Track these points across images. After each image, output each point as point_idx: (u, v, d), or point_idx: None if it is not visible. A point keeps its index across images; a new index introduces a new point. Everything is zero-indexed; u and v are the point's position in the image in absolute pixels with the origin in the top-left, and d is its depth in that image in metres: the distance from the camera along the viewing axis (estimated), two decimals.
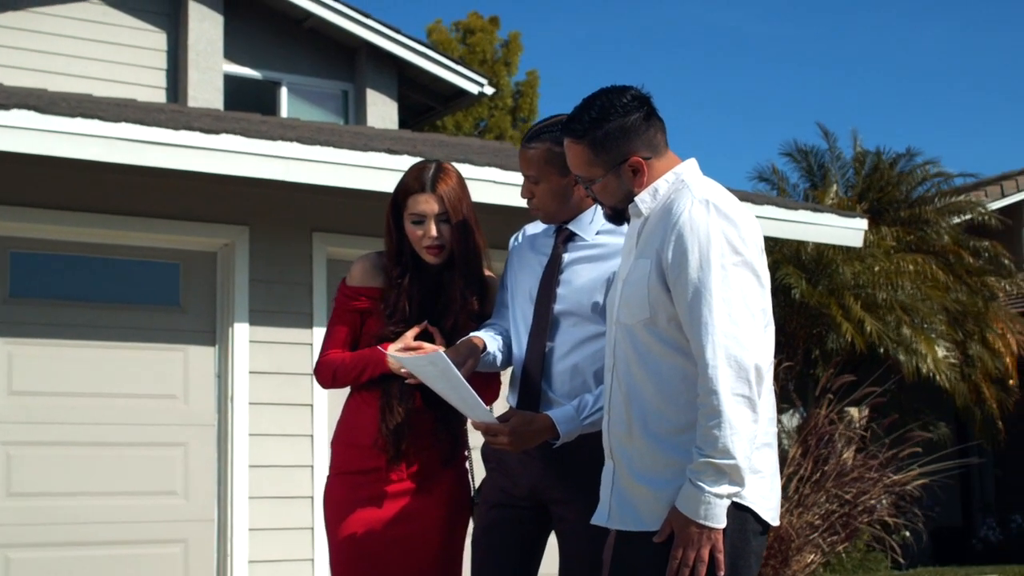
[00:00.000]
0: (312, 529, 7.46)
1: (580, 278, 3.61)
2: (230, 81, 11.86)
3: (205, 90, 11.41)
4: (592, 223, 3.65)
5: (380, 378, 3.75)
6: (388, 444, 3.72)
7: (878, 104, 44.95)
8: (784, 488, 8.43)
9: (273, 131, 7.55)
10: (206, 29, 11.56)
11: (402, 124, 12.99)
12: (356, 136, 8.38)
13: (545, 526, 3.64)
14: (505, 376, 3.85)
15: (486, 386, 3.77)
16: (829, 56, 45.14)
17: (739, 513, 2.95)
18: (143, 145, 6.82)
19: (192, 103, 11.09)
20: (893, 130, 44.75)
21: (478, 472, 3.87)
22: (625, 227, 3.34)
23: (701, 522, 2.89)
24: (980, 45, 44.74)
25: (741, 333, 2.92)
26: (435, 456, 3.80)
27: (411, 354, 3.64)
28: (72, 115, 6.67)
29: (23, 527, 6.95)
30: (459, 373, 3.44)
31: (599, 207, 3.62)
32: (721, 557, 2.91)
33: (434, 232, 3.73)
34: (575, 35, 42.37)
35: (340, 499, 3.78)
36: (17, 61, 10.72)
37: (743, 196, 8.35)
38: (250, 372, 7.50)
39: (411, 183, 3.77)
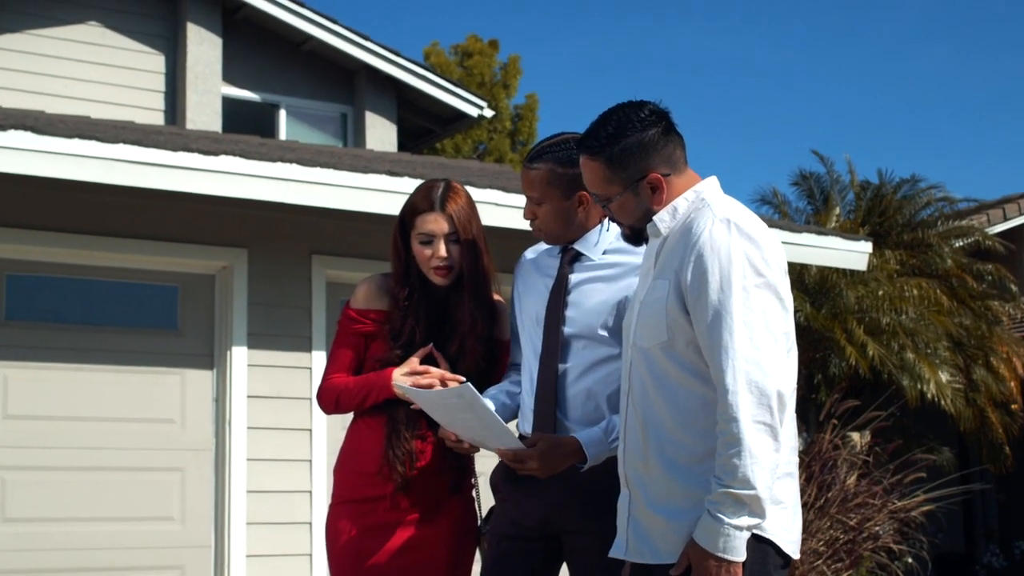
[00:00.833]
0: (311, 556, 7.38)
1: (589, 299, 3.51)
2: (229, 103, 11.80)
3: (203, 112, 11.36)
4: (598, 243, 3.56)
5: (385, 403, 3.65)
6: (394, 471, 3.62)
7: (879, 128, 45.00)
8: None
9: (272, 153, 7.50)
10: (204, 51, 11.51)
11: (401, 147, 12.93)
12: (355, 158, 8.33)
13: (556, 558, 3.53)
14: None
15: None
16: (830, 80, 45.20)
17: (759, 546, 2.84)
18: (141, 167, 6.76)
19: (190, 125, 11.04)
20: (894, 154, 44.81)
21: (485, 500, 3.78)
22: (630, 245, 3.26)
23: (720, 555, 2.78)
24: (980, 69, 44.83)
25: (763, 358, 2.82)
26: (442, 484, 3.70)
27: (417, 380, 3.56)
28: (69, 136, 6.61)
29: (17, 553, 6.87)
30: (486, 402, 3.36)
31: (604, 225, 3.53)
32: None
33: (443, 252, 3.64)
34: (575, 59, 42.43)
35: (343, 529, 3.67)
36: (15, 83, 10.67)
37: None
38: (248, 396, 7.43)
39: (420, 202, 3.68)
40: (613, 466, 3.21)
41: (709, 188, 3.09)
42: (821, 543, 8.76)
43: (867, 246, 9.17)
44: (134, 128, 8.13)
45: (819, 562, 8.75)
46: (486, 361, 3.75)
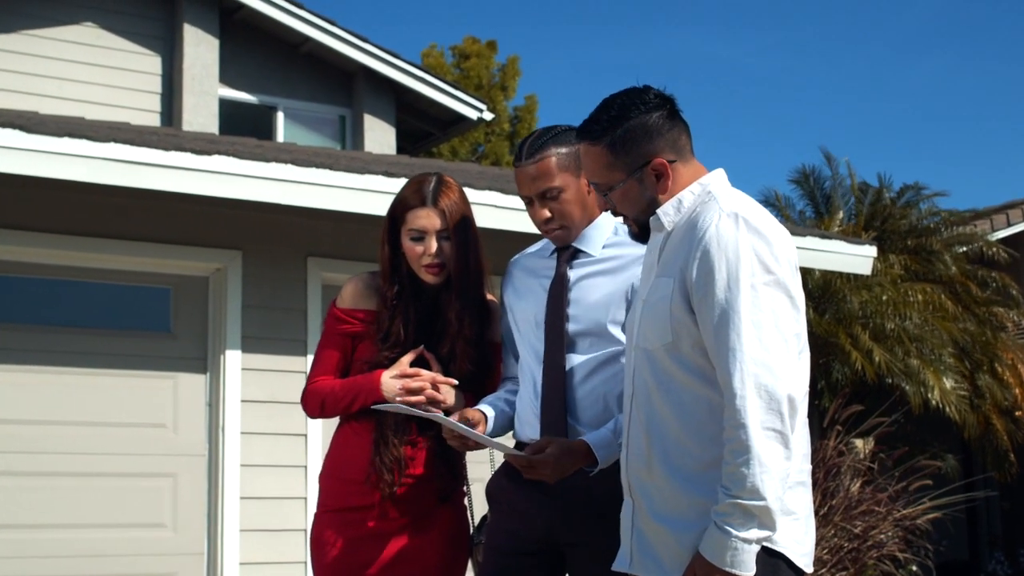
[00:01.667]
0: (305, 564, 7.28)
1: (592, 294, 3.35)
2: (226, 105, 11.70)
3: (200, 114, 11.26)
4: (596, 238, 3.41)
5: (373, 407, 3.49)
6: (381, 480, 3.46)
7: (881, 133, 44.97)
8: None
9: (267, 153, 7.40)
10: (201, 53, 11.41)
11: (400, 150, 12.83)
12: (352, 160, 8.22)
13: (558, 572, 3.37)
14: None
15: None
16: (832, 86, 45.17)
17: (770, 559, 2.69)
18: (133, 166, 6.67)
19: (187, 127, 10.95)
20: (896, 160, 44.75)
21: (478, 508, 3.63)
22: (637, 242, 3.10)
23: (728, 570, 2.62)
24: (982, 76, 44.81)
25: (772, 360, 2.66)
26: (432, 492, 3.54)
27: (407, 383, 3.42)
28: (59, 135, 6.51)
29: (6, 560, 6.78)
30: (470, 430, 3.23)
31: (603, 221, 3.39)
32: None
33: (434, 249, 3.48)
34: (575, 60, 42.37)
35: (329, 539, 3.51)
36: (9, 84, 10.58)
37: None
38: (242, 401, 7.34)
39: (410, 197, 3.52)
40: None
41: (716, 181, 2.94)
42: (825, 551, 8.65)
43: (872, 250, 9.11)
44: (126, 128, 8.02)
45: (823, 571, 8.64)
46: (478, 364, 3.58)
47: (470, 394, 3.56)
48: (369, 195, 7.19)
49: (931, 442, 12.25)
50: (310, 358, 7.37)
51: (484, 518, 3.58)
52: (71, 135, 6.55)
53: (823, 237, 9.10)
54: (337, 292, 3.67)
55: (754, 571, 2.65)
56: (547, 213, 3.38)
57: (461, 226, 3.50)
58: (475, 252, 3.54)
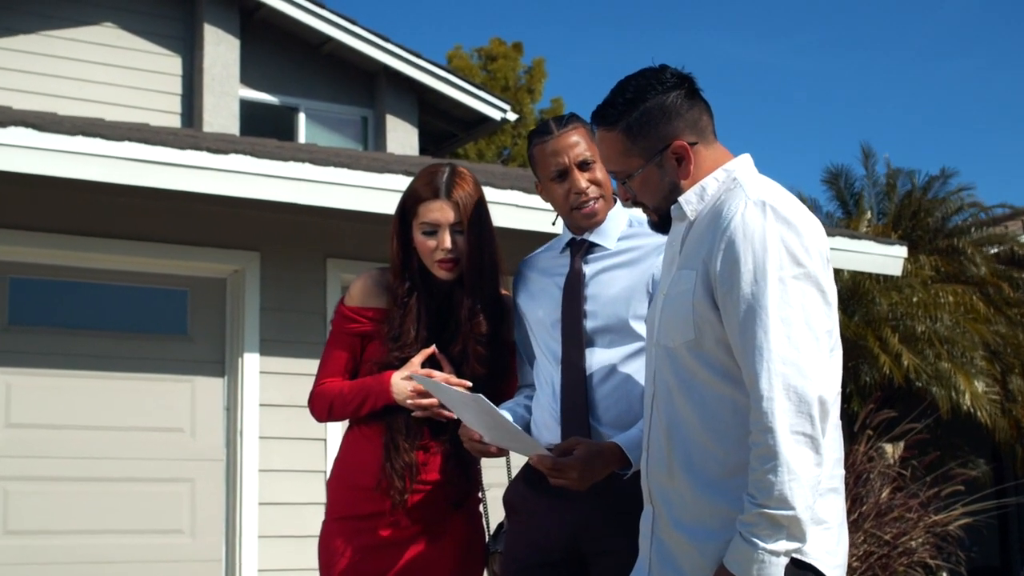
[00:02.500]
0: None
1: (610, 289, 3.21)
2: (246, 106, 11.63)
3: (221, 115, 11.19)
4: (611, 230, 3.27)
5: (383, 411, 3.35)
6: (392, 486, 3.31)
7: (908, 135, 44.71)
8: None
9: (286, 152, 7.33)
10: (222, 53, 11.34)
11: (423, 152, 12.73)
12: (373, 160, 8.13)
13: None
14: None
15: None
16: (860, 88, 44.93)
17: (799, 572, 2.51)
18: (148, 165, 6.61)
19: (207, 128, 10.88)
20: (924, 161, 44.50)
21: (494, 515, 3.49)
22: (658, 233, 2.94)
23: None
24: (1011, 79, 44.50)
25: (802, 359, 2.49)
26: (445, 498, 3.40)
27: (418, 386, 3.27)
28: (73, 133, 6.44)
29: (21, 567, 6.73)
30: (503, 413, 3.07)
31: (617, 213, 3.25)
32: None
33: (448, 243, 3.33)
34: (601, 62, 42.25)
35: (338, 548, 3.38)
36: (29, 85, 10.54)
37: None
38: (260, 405, 7.29)
39: (422, 189, 3.36)
40: None
41: (742, 167, 2.77)
42: (855, 558, 8.53)
43: (902, 250, 8.96)
44: (141, 127, 7.96)
45: None
46: (491, 365, 3.43)
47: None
48: (390, 195, 7.08)
49: (961, 447, 12.12)
50: None
51: (500, 525, 3.44)
52: (85, 134, 6.50)
53: (852, 237, 8.96)
54: None
55: None
56: (586, 182, 3.24)
57: (476, 219, 3.35)
58: (490, 247, 3.39)
